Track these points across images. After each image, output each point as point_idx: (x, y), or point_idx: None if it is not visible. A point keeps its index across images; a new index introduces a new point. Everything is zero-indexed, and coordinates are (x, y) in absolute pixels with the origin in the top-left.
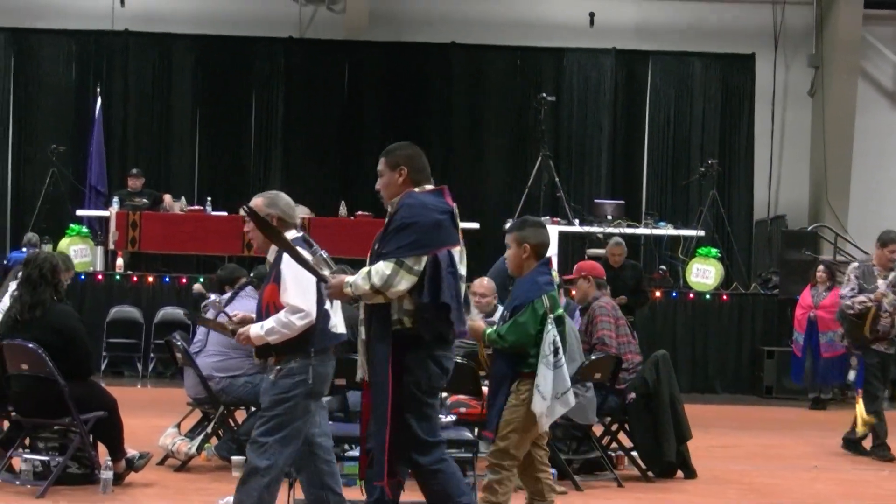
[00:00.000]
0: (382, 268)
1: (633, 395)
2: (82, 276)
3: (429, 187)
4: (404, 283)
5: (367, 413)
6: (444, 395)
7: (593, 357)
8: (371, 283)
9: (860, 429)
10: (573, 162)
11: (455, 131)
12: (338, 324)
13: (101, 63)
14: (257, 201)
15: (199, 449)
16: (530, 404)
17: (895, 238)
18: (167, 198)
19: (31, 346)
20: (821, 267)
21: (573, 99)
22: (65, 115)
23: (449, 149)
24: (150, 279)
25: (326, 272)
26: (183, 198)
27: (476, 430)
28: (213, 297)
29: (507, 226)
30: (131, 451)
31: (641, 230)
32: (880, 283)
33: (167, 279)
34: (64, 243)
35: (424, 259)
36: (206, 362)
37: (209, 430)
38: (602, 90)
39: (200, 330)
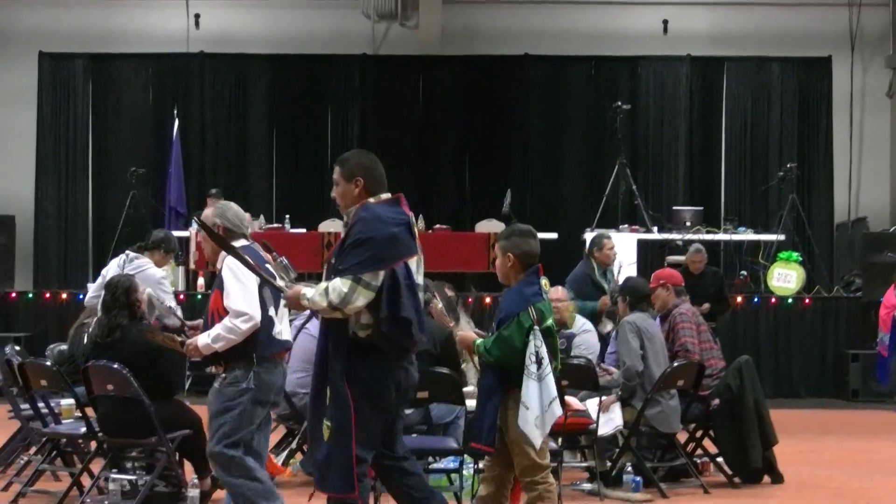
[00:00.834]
0: (339, 285)
1: (717, 401)
2: None
3: (385, 196)
4: (361, 299)
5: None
6: None
7: (676, 364)
8: (328, 301)
9: None
10: (650, 170)
11: (531, 143)
12: (283, 330)
13: (178, 85)
14: (207, 212)
15: (285, 465)
16: None
17: None
18: (246, 217)
19: (115, 366)
20: None
21: (649, 107)
22: (143, 138)
23: (526, 160)
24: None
25: (284, 280)
26: (262, 216)
27: (560, 439)
28: (168, 303)
29: (586, 236)
30: None
31: (721, 236)
32: None
33: None
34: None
35: (382, 274)
36: (289, 379)
37: (294, 445)
38: (677, 97)
39: None
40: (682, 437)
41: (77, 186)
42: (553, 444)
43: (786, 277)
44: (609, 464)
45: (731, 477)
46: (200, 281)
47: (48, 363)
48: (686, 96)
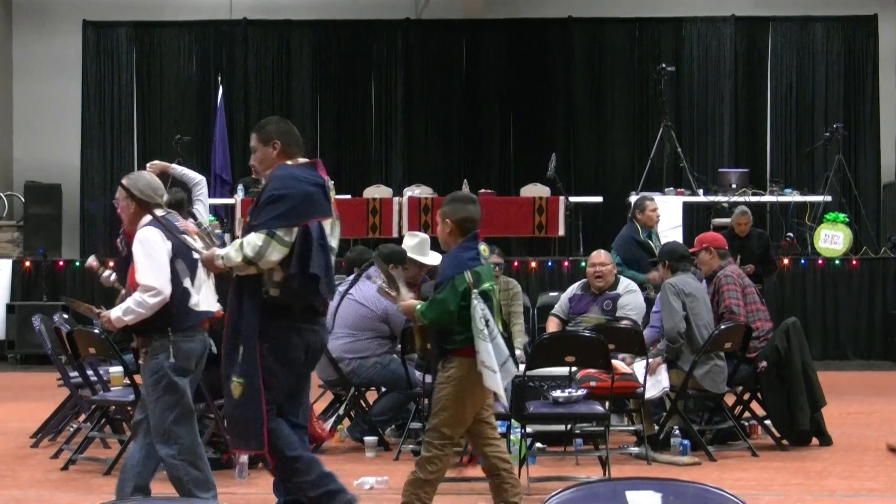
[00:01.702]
0: (254, 239)
1: (764, 363)
2: None
3: (302, 160)
4: (276, 253)
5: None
6: (574, 369)
7: (723, 326)
8: (243, 255)
9: None
10: (695, 132)
11: (576, 106)
12: (201, 301)
13: (221, 53)
14: (123, 182)
15: (332, 430)
16: (456, 382)
17: None
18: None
19: None
20: None
21: (693, 68)
22: (187, 105)
23: (570, 123)
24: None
25: (201, 245)
26: None
27: (607, 403)
28: (107, 273)
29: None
30: None
31: (767, 198)
32: None
33: None
34: None
35: (295, 230)
36: (336, 344)
37: (341, 411)
38: (722, 58)
39: (328, 312)
40: (730, 399)
41: (122, 155)
42: (600, 408)
43: (832, 239)
44: (657, 427)
45: (779, 439)
46: None
47: (97, 331)
48: (731, 57)
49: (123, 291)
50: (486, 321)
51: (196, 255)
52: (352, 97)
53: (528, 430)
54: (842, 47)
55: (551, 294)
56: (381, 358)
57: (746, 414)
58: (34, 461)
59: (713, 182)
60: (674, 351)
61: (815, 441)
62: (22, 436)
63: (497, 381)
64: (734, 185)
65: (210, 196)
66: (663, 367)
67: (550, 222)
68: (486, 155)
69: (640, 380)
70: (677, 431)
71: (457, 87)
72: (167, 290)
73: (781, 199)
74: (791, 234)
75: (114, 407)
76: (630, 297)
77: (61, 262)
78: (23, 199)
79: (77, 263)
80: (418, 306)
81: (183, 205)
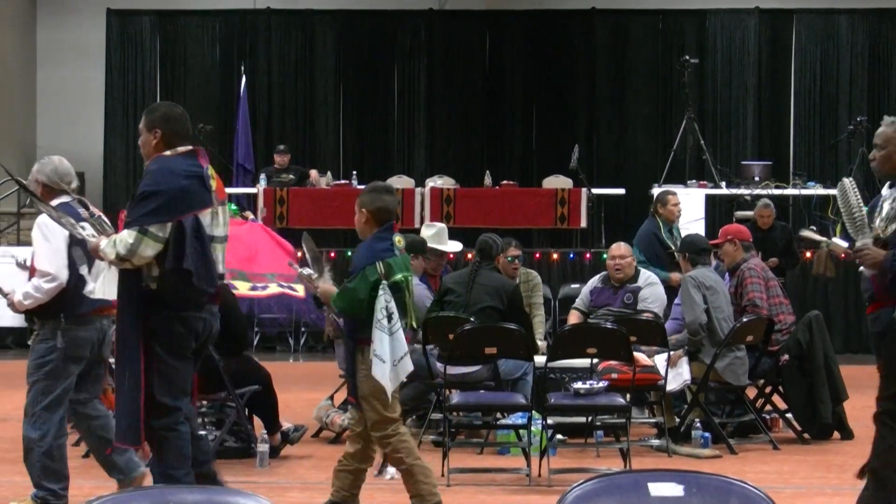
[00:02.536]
0: (126, 236)
1: (786, 356)
2: None
3: (182, 149)
4: (149, 249)
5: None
6: (596, 361)
7: (745, 319)
8: (116, 252)
9: None
10: (718, 124)
11: (598, 97)
12: (97, 289)
13: (245, 42)
14: (33, 168)
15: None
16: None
17: None
18: (313, 173)
19: None
20: None
21: (717, 60)
22: (210, 94)
23: (592, 115)
24: (299, 254)
25: (93, 235)
26: (329, 173)
27: (628, 395)
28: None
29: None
30: (286, 425)
31: (790, 191)
32: None
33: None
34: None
35: (169, 226)
36: None
37: None
38: (746, 50)
39: None
40: (752, 392)
41: None
42: (621, 400)
43: None
44: (678, 419)
45: (800, 433)
46: None
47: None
48: (754, 49)
49: (6, 291)
50: (389, 315)
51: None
52: (374, 87)
53: (549, 421)
54: (866, 39)
55: (573, 286)
56: None
57: (768, 407)
58: None
59: (736, 174)
60: (695, 344)
61: (836, 434)
62: None
63: (385, 372)
64: (757, 178)
65: (233, 185)
66: (684, 359)
67: (572, 214)
68: (508, 146)
69: (662, 372)
70: (698, 424)
71: (479, 77)
72: (63, 275)
73: (804, 191)
74: (814, 227)
75: None
76: (651, 290)
77: None
78: None
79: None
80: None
81: None
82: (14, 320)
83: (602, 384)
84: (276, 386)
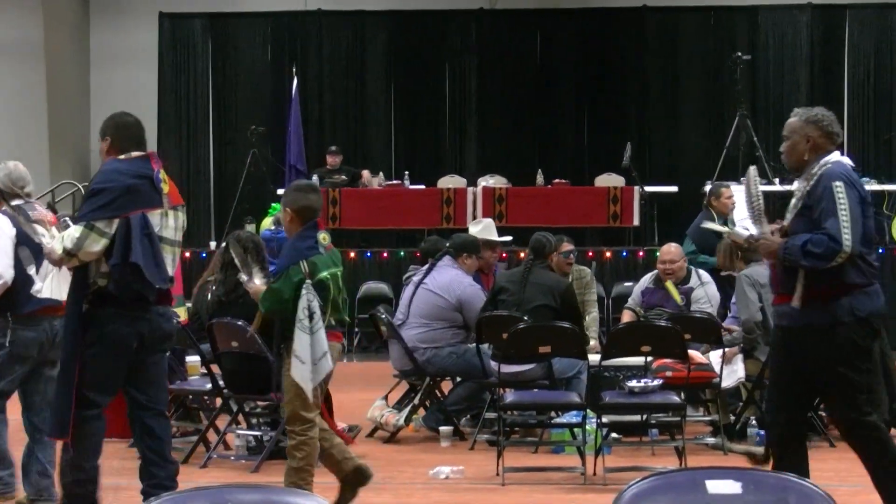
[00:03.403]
0: (73, 231)
1: None
2: None
3: (135, 154)
4: (95, 245)
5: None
6: (650, 358)
7: None
8: (63, 246)
9: None
10: (771, 120)
11: (650, 95)
12: (44, 288)
13: (296, 43)
14: None
15: (407, 420)
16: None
17: None
18: (365, 174)
19: (239, 323)
20: None
21: (769, 57)
22: (262, 96)
23: (644, 113)
24: (352, 255)
25: (48, 236)
26: (381, 173)
27: (682, 393)
28: None
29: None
30: (341, 424)
31: None
32: None
33: (369, 254)
34: (267, 222)
35: (116, 222)
36: (411, 334)
37: (416, 401)
38: (798, 46)
39: (403, 303)
40: None
41: (198, 145)
42: (676, 398)
43: None
44: (732, 417)
45: None
46: None
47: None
48: (807, 45)
49: None
50: (311, 313)
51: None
52: (425, 87)
53: (604, 419)
54: None
55: (625, 284)
56: (456, 347)
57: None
58: (111, 450)
59: (789, 171)
60: (750, 341)
61: (893, 431)
62: None
63: (304, 373)
64: None
65: (285, 186)
66: (739, 356)
67: (625, 212)
68: (560, 144)
69: (716, 369)
70: (754, 422)
71: (530, 76)
72: (8, 275)
73: None
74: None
75: (191, 396)
76: (703, 290)
77: None
78: None
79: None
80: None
81: None
82: None
83: (656, 382)
84: (329, 386)
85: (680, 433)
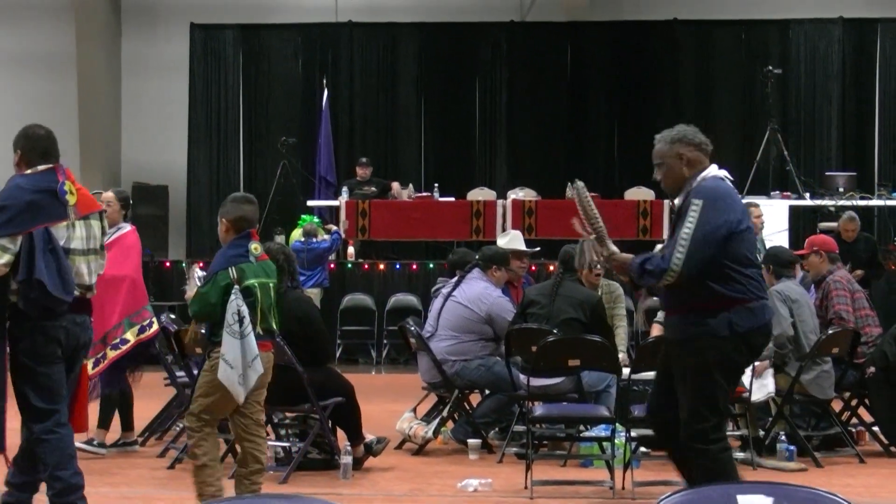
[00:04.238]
0: None
1: (872, 368)
2: None
3: (42, 167)
4: (1, 261)
5: None
6: None
7: (830, 331)
8: None
9: None
10: (802, 134)
11: (681, 107)
12: None
13: (327, 55)
14: None
15: (436, 432)
16: (216, 371)
17: None
18: (395, 185)
19: None
20: None
21: (800, 71)
22: (293, 107)
23: (675, 125)
24: (382, 266)
25: None
26: (411, 185)
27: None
28: None
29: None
30: (369, 436)
31: (875, 202)
32: None
33: (398, 266)
34: (297, 233)
35: (20, 239)
36: (440, 346)
37: (445, 413)
38: (830, 60)
39: (432, 315)
40: (837, 405)
41: (228, 156)
42: None
43: None
44: (762, 432)
45: (887, 446)
46: (350, 250)
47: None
48: (838, 59)
49: None
50: (241, 319)
51: None
52: (456, 99)
53: (633, 433)
54: None
55: (654, 298)
56: (485, 360)
57: (854, 420)
58: (141, 459)
59: (820, 185)
60: (781, 357)
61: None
62: None
63: (232, 377)
64: (841, 189)
65: (315, 198)
66: (769, 370)
67: (655, 225)
68: (590, 158)
69: (746, 383)
70: (783, 436)
71: (561, 89)
72: None
73: (889, 202)
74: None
75: None
76: None
77: (168, 263)
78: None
79: (184, 263)
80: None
81: None
82: None
83: None
84: (358, 398)
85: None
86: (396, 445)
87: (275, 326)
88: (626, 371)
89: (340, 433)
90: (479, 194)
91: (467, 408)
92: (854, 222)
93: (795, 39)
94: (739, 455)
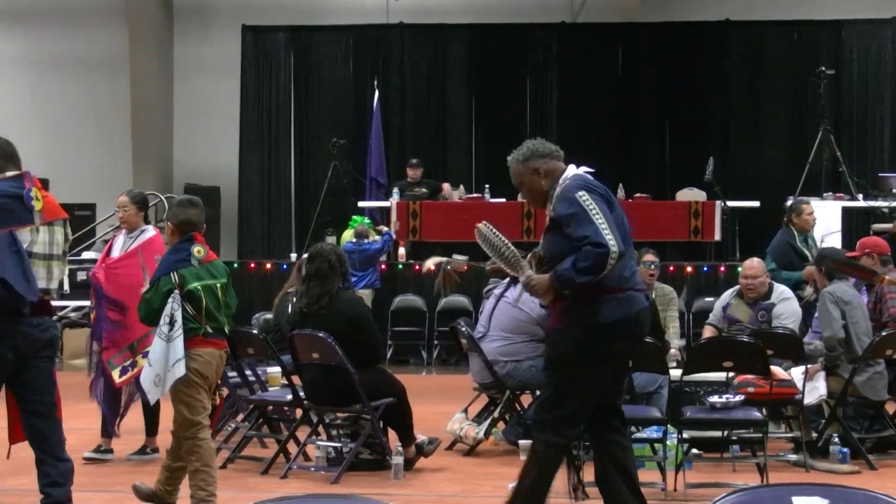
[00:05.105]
0: None
1: None
2: None
3: (10, 174)
4: None
5: None
6: (731, 374)
7: (884, 333)
8: None
9: None
10: (855, 135)
11: (733, 109)
12: None
13: (377, 56)
14: None
15: (487, 433)
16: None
17: None
18: (446, 186)
19: (321, 335)
20: None
21: (853, 71)
22: (343, 109)
23: (726, 127)
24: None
25: None
26: (461, 186)
27: (764, 409)
28: None
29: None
30: (420, 437)
31: None
32: None
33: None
34: (347, 234)
35: None
36: (491, 347)
37: (496, 414)
38: (883, 61)
39: (483, 316)
40: (891, 408)
41: (280, 157)
42: (758, 414)
43: None
44: (815, 434)
45: None
46: (401, 251)
47: (255, 332)
48: (891, 60)
49: None
50: (172, 322)
51: None
52: (507, 101)
53: (685, 435)
54: None
55: (706, 299)
56: (536, 361)
57: None
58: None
59: (873, 187)
60: (832, 359)
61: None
62: None
63: (148, 376)
64: (895, 190)
65: (365, 199)
66: (821, 373)
67: (706, 226)
68: (641, 159)
69: (798, 386)
70: (836, 439)
71: (612, 90)
72: None
73: None
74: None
75: (271, 406)
76: (784, 306)
77: None
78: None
79: (235, 265)
80: None
81: None
82: None
83: (738, 398)
84: (409, 399)
85: (762, 449)
86: (447, 446)
87: (226, 325)
88: (678, 372)
89: (392, 434)
90: None
91: (518, 409)
92: None
93: (848, 40)
94: (792, 457)
